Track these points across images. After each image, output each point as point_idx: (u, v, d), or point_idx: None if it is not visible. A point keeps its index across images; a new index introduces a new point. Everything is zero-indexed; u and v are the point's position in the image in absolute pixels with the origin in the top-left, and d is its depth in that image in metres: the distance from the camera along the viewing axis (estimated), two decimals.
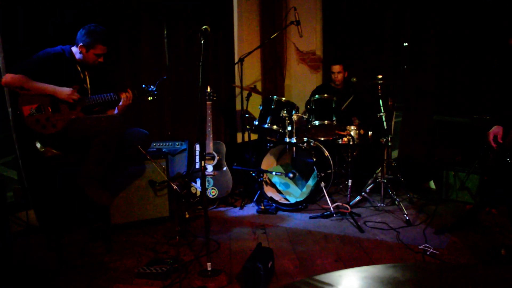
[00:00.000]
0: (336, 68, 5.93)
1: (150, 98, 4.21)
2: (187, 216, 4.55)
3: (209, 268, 3.28)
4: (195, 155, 5.15)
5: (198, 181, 5.09)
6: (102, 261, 3.63)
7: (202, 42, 3.43)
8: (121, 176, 4.22)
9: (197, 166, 5.10)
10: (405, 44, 5.57)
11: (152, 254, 3.76)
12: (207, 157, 5.03)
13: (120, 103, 4.01)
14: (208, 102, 5.09)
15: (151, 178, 4.44)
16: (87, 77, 4.08)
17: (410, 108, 6.04)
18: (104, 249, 3.87)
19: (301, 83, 6.98)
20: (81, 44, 3.85)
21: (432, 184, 5.86)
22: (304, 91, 6.46)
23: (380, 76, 4.97)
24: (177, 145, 5.36)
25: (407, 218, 4.52)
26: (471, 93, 5.52)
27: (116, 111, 4.06)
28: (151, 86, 4.20)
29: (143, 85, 4.19)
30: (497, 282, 1.61)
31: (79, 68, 3.99)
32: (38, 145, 3.73)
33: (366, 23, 6.32)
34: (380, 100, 4.98)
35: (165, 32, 5.56)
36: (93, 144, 3.63)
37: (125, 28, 5.24)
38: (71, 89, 3.76)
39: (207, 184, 5.03)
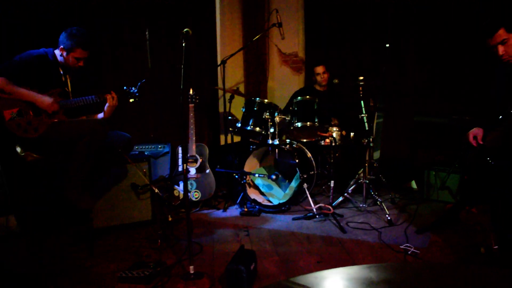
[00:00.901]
0: (320, 69, 5.96)
1: (131, 100, 4.19)
2: (170, 219, 4.53)
3: (191, 271, 3.27)
4: (178, 158, 5.14)
5: (181, 184, 5.08)
6: (84, 266, 3.60)
7: (183, 44, 3.43)
8: (103, 179, 4.20)
9: (180, 169, 5.09)
10: (387, 45, 5.62)
11: (135, 258, 3.74)
12: (190, 160, 5.02)
13: (107, 105, 3.99)
14: (190, 105, 5.09)
15: (134, 182, 4.42)
16: (69, 80, 4.06)
17: (391, 109, 6.10)
18: (86, 253, 3.84)
19: (284, 84, 7.00)
20: (62, 46, 3.84)
21: (413, 184, 5.91)
22: (286, 93, 6.48)
23: (361, 78, 5.01)
24: (160, 148, 5.34)
25: (389, 218, 4.56)
26: (450, 94, 5.59)
27: (101, 115, 4.04)
28: (132, 88, 4.19)
29: (124, 87, 4.18)
30: (476, 282, 1.63)
31: (61, 71, 3.96)
32: (18, 149, 3.70)
33: (348, 25, 6.38)
34: (362, 101, 5.02)
35: (147, 34, 5.54)
36: (74, 147, 3.60)
37: (107, 31, 5.22)
38: (52, 99, 3.73)
39: (190, 186, 5.02)
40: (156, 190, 4.11)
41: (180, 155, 5.14)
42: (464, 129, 3.13)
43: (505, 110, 2.73)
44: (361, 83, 5.00)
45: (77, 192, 3.58)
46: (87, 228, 4.11)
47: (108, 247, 4.00)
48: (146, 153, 5.03)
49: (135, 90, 4.18)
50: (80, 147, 3.59)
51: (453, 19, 5.50)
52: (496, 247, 3.53)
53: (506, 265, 2.87)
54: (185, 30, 3.43)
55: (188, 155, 5.01)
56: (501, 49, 2.73)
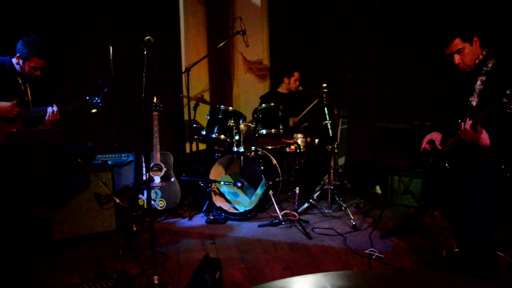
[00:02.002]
0: (298, 74, 5.99)
1: (94, 110, 4.12)
2: (134, 229, 4.47)
3: (155, 282, 3.22)
4: (142, 167, 5.08)
5: (146, 193, 5.01)
6: (45, 279, 3.51)
7: (145, 52, 3.39)
8: (64, 189, 4.11)
9: (144, 178, 5.02)
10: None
11: (98, 270, 3.66)
12: (154, 169, 4.97)
13: (46, 118, 3.82)
14: (154, 113, 5.03)
15: (97, 191, 4.34)
16: (28, 89, 3.96)
17: (355, 116, 6.18)
18: (48, 266, 3.74)
19: (249, 92, 7.01)
20: (18, 54, 3.74)
21: (378, 189, 6.00)
22: (252, 100, 6.50)
23: (324, 85, 5.06)
24: (124, 157, 5.27)
25: (354, 223, 4.61)
26: (411, 100, 5.71)
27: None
28: (96, 98, 4.11)
29: (87, 97, 4.10)
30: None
31: (19, 80, 3.86)
32: None
33: (312, 33, 6.45)
34: (325, 108, 5.07)
35: (110, 43, 5.48)
36: (33, 157, 3.52)
37: (68, 39, 5.14)
38: (10, 103, 3.63)
39: (155, 195, 4.96)
40: (118, 200, 4.04)
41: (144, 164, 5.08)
42: (425, 135, 3.19)
43: (461, 116, 2.79)
44: (324, 90, 5.04)
45: (37, 203, 3.49)
46: (47, 239, 3.99)
47: (71, 259, 3.91)
48: (109, 162, 4.94)
49: (98, 100, 4.11)
50: (39, 157, 3.50)
51: (413, 29, 5.62)
52: (457, 249, 3.61)
53: (465, 268, 2.93)
54: (146, 38, 3.39)
55: (153, 163, 4.96)
56: (457, 58, 2.80)
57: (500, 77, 2.60)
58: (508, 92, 2.28)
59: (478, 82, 2.75)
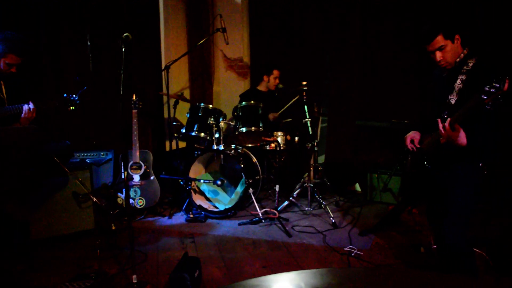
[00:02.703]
0: (278, 72, 5.97)
1: (72, 108, 4.06)
2: (113, 228, 4.43)
3: (134, 281, 3.20)
4: (121, 165, 5.03)
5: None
6: (23, 280, 3.46)
7: (123, 49, 3.36)
8: (41, 189, 4.05)
9: (124, 176, 4.98)
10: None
11: (76, 269, 3.62)
12: (133, 167, 4.92)
13: (22, 115, 3.73)
14: (134, 111, 4.98)
15: (75, 190, 4.29)
16: (3, 87, 3.88)
17: (335, 114, 6.21)
18: (25, 267, 3.68)
19: (229, 89, 7.00)
20: None
21: (357, 187, 6.04)
22: (232, 97, 6.49)
23: (304, 83, 5.07)
24: (102, 155, 5.22)
25: (333, 221, 4.63)
26: (390, 98, 5.75)
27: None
28: (73, 95, 4.05)
29: (65, 95, 4.04)
30: (417, 284, 1.67)
31: None
32: None
33: (292, 31, 6.45)
34: (305, 106, 5.08)
35: (88, 40, 5.42)
36: (8, 156, 3.45)
37: (46, 36, 5.07)
38: None
39: (134, 194, 4.92)
40: (94, 199, 4.00)
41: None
42: (403, 132, 3.21)
43: (440, 114, 2.82)
44: (304, 88, 5.05)
45: (13, 202, 3.43)
46: (25, 240, 3.93)
47: (49, 259, 3.86)
48: (88, 161, 4.91)
49: (76, 98, 4.05)
50: (14, 155, 3.44)
51: (394, 26, 5.65)
52: (435, 246, 3.65)
53: (443, 264, 2.96)
54: (124, 35, 3.36)
55: (132, 161, 4.91)
56: (438, 55, 2.82)
57: (480, 76, 2.63)
58: (486, 88, 2.30)
59: (458, 81, 2.78)
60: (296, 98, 5.55)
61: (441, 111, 2.83)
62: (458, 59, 2.83)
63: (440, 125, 2.55)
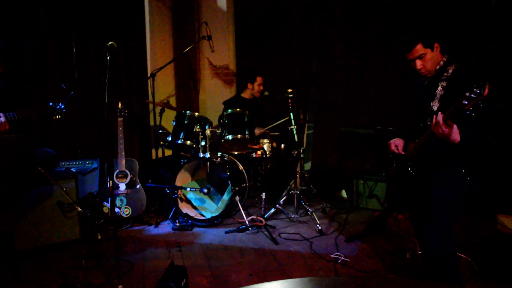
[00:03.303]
0: (261, 79, 5.98)
1: (58, 117, 4.04)
2: (99, 237, 4.39)
3: None
4: (107, 174, 5.00)
5: None
6: None
7: (108, 58, 3.35)
8: (26, 198, 4.01)
9: (109, 185, 4.95)
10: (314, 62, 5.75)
11: (61, 280, 3.58)
12: (119, 175, 4.90)
13: None
14: (119, 119, 4.95)
15: (60, 200, 4.25)
16: None
17: (321, 121, 6.23)
18: (9, 278, 3.64)
19: (215, 97, 6.99)
20: None
21: (344, 193, 6.06)
22: (218, 105, 6.48)
23: (290, 90, 5.09)
24: (88, 163, 5.19)
25: (320, 227, 4.64)
26: (375, 105, 5.79)
27: None
28: (59, 104, 4.03)
29: (51, 103, 4.01)
30: None
31: None
32: None
33: (278, 39, 6.47)
34: (291, 113, 5.10)
35: (74, 48, 5.40)
36: None
37: (30, 44, 5.04)
38: None
39: (120, 203, 4.89)
40: (79, 209, 3.97)
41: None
42: (388, 139, 3.24)
43: (422, 121, 2.85)
44: (290, 95, 5.08)
45: None
46: (9, 250, 3.88)
47: (33, 269, 3.81)
48: (73, 170, 4.87)
49: (62, 106, 4.03)
50: None
51: (377, 34, 5.70)
52: (420, 252, 3.67)
53: (428, 271, 2.98)
54: (109, 43, 3.35)
55: (118, 170, 4.88)
56: (418, 63, 2.86)
57: (461, 82, 2.66)
58: (467, 94, 2.33)
59: (439, 88, 2.82)
60: (285, 119, 5.56)
61: (424, 118, 2.86)
62: (438, 67, 2.87)
63: (434, 120, 2.53)
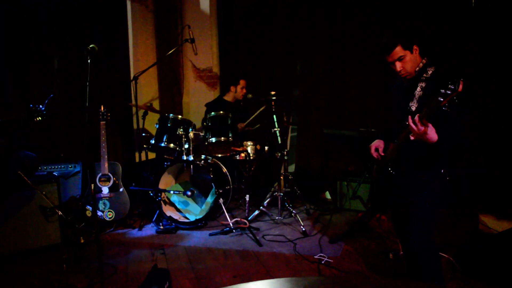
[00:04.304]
0: (244, 82, 5.97)
1: (39, 118, 3.99)
2: (82, 241, 4.35)
3: None
4: (89, 178, 4.96)
5: None
6: None
7: (89, 61, 3.33)
8: (6, 202, 3.96)
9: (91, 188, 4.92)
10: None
11: (43, 285, 3.56)
12: (102, 179, 4.87)
13: None
14: (102, 122, 4.92)
15: (42, 204, 4.21)
16: None
17: (304, 123, 6.25)
18: None
19: (199, 100, 6.97)
20: None
21: (327, 195, 6.08)
22: (202, 108, 6.47)
23: (273, 92, 5.11)
24: (70, 167, 5.14)
25: (304, 229, 4.66)
26: (358, 107, 5.83)
27: None
28: (40, 105, 3.98)
29: (31, 105, 3.97)
30: None
31: None
32: None
33: (261, 42, 6.49)
34: (274, 116, 5.12)
35: (56, 51, 5.37)
36: None
37: (13, 47, 5.00)
38: None
39: (103, 206, 4.86)
40: (60, 213, 3.93)
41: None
42: (371, 140, 3.27)
43: (401, 122, 2.88)
44: (273, 97, 5.10)
45: None
46: None
47: (15, 274, 3.78)
48: (55, 173, 4.82)
49: (43, 108, 3.99)
50: None
51: (360, 37, 5.74)
52: (403, 253, 3.70)
53: (410, 271, 3.01)
54: (90, 46, 3.34)
55: (100, 174, 4.85)
56: (398, 65, 2.89)
57: (438, 82, 2.69)
58: (442, 91, 2.36)
59: (418, 88, 2.85)
60: (263, 108, 5.58)
61: (404, 119, 2.89)
62: (417, 69, 2.91)
63: (410, 120, 2.56)
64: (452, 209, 4.73)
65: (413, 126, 2.54)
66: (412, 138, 2.63)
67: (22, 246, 4.13)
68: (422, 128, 2.50)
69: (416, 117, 2.52)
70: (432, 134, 2.53)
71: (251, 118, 5.72)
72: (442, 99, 2.37)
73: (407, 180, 2.90)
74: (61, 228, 4.30)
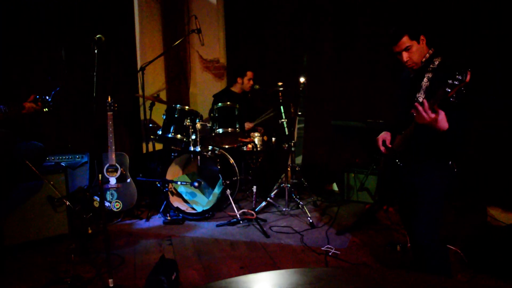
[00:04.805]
0: (251, 73, 5.94)
1: (45, 110, 3.99)
2: (90, 231, 4.37)
3: (111, 285, 3.17)
4: (96, 168, 4.98)
5: None
6: None
7: (95, 51, 3.33)
8: (14, 192, 3.98)
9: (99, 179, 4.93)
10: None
11: (51, 275, 3.57)
12: (109, 170, 4.87)
13: None
14: (109, 113, 4.91)
15: (50, 194, 4.22)
16: None
17: (311, 114, 6.23)
18: None
19: (206, 91, 6.95)
20: None
21: (335, 186, 6.07)
22: (209, 99, 6.45)
23: (280, 83, 5.09)
24: (78, 158, 5.16)
25: (311, 220, 4.65)
26: (365, 98, 5.80)
27: None
28: (47, 96, 3.98)
29: (37, 96, 3.97)
30: (390, 284, 1.68)
31: None
32: None
33: (268, 32, 6.46)
34: (281, 107, 5.11)
35: (62, 40, 5.36)
36: None
37: (21, 36, 5.00)
38: None
39: (110, 197, 4.87)
40: (68, 203, 3.94)
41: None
42: (379, 132, 3.25)
43: (408, 114, 2.86)
44: (280, 89, 5.08)
45: None
46: None
47: (23, 265, 3.80)
48: (62, 164, 4.83)
49: (49, 99, 3.99)
50: None
51: (366, 27, 5.70)
52: (410, 244, 3.69)
53: (417, 263, 3.00)
54: (97, 36, 3.34)
55: (108, 164, 4.86)
56: (405, 55, 2.88)
57: (445, 72, 2.66)
58: (449, 81, 2.34)
59: (425, 79, 2.83)
60: (271, 112, 5.55)
61: (410, 110, 2.87)
62: (424, 59, 2.88)
63: (420, 107, 2.51)
64: (460, 202, 4.72)
65: (422, 112, 2.49)
66: (418, 122, 2.58)
67: (30, 236, 4.15)
68: (433, 115, 2.46)
69: (425, 103, 2.47)
70: (443, 122, 2.50)
71: (258, 121, 5.69)
72: (449, 90, 2.35)
73: (414, 171, 2.88)
74: (69, 219, 4.32)
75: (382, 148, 3.11)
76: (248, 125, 5.66)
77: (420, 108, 2.50)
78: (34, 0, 5.15)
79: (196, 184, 4.82)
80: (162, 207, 5.13)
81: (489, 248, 3.56)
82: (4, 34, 4.84)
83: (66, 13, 5.45)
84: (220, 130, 5.13)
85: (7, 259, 3.84)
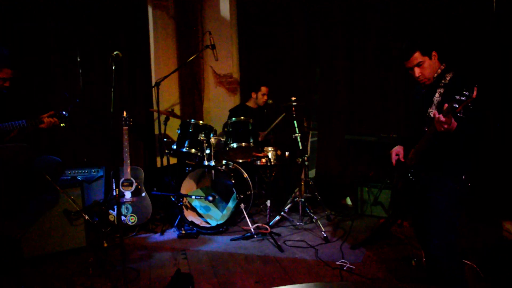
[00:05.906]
0: (266, 89, 5.99)
1: (63, 125, 4.06)
2: (105, 245, 4.41)
3: None
4: (112, 182, 5.03)
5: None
6: None
7: (113, 67, 3.39)
8: (33, 206, 4.03)
9: (115, 193, 4.97)
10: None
11: (68, 287, 3.61)
12: (125, 184, 4.92)
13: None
14: (124, 127, 4.98)
15: (66, 208, 4.28)
16: None
17: (324, 128, 6.24)
18: (15, 285, 3.66)
19: (219, 105, 7.02)
20: None
21: (348, 201, 6.06)
22: (222, 113, 6.52)
23: (293, 98, 5.12)
24: (93, 172, 5.22)
25: (325, 235, 4.65)
26: (378, 112, 5.80)
27: None
28: (63, 111, 4.05)
29: (54, 111, 4.04)
30: None
31: None
32: None
33: (280, 47, 6.51)
34: (295, 121, 5.13)
35: (78, 57, 5.45)
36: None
37: (34, 51, 5.09)
38: None
39: (126, 211, 4.91)
40: (86, 217, 3.98)
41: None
42: (392, 146, 3.27)
43: (421, 128, 2.88)
44: (293, 103, 5.11)
45: (5, 220, 3.42)
46: (15, 258, 3.91)
47: (40, 277, 3.84)
48: (79, 178, 4.90)
49: (66, 114, 4.05)
50: (6, 173, 3.44)
51: (378, 42, 5.72)
52: (424, 259, 3.68)
53: (432, 278, 2.99)
54: (115, 53, 3.39)
55: (123, 178, 4.91)
56: (417, 71, 2.91)
57: (456, 88, 2.69)
58: (457, 97, 2.37)
59: (437, 94, 2.85)
60: (283, 116, 5.58)
61: (423, 125, 2.89)
62: (435, 74, 2.91)
63: (436, 117, 2.55)
64: (475, 216, 4.70)
65: (439, 122, 2.52)
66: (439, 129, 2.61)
67: (49, 249, 4.21)
68: (448, 121, 2.49)
69: (440, 115, 2.50)
70: (454, 125, 2.54)
71: (271, 127, 5.72)
72: (457, 106, 2.38)
73: (427, 185, 2.89)
74: (86, 232, 4.37)
75: (394, 160, 3.13)
76: (261, 134, 5.69)
77: (436, 119, 2.54)
78: (52, 17, 5.25)
79: (210, 198, 4.85)
80: (177, 221, 5.15)
81: (505, 263, 3.54)
82: (23, 52, 4.93)
83: (82, 30, 5.55)
84: (234, 145, 5.17)
85: (25, 271, 3.87)
